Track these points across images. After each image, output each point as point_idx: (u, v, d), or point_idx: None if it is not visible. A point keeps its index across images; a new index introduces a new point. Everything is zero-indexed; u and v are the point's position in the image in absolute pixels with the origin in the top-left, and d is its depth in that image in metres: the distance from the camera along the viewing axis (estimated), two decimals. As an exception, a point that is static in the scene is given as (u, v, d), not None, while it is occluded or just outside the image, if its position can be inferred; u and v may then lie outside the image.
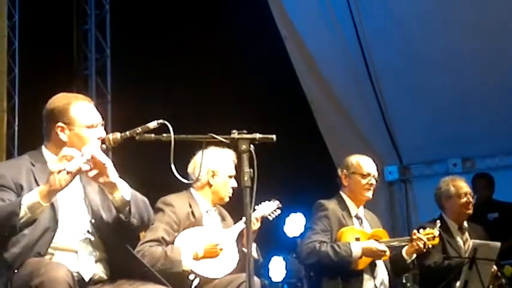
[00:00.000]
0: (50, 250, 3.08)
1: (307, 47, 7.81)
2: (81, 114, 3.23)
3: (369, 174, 4.92)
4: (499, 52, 7.08)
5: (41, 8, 7.78)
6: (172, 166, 2.97)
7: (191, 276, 4.02)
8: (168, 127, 3.01)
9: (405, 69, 7.61)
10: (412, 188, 8.52)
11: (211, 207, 4.40)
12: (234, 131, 3.00)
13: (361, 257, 4.67)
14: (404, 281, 5.83)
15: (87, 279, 3.12)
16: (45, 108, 3.27)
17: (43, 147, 3.29)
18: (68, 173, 2.90)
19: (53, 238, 3.08)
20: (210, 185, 4.37)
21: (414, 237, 4.82)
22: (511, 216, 6.75)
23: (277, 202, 4.59)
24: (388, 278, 4.85)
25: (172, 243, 4.11)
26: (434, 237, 4.91)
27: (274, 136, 3.02)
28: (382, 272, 4.83)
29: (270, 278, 7.82)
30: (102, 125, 3.28)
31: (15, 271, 2.95)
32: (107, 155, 3.12)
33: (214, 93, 7.72)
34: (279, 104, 8.02)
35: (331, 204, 4.89)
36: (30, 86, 7.44)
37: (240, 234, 4.31)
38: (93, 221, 3.21)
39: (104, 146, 3.15)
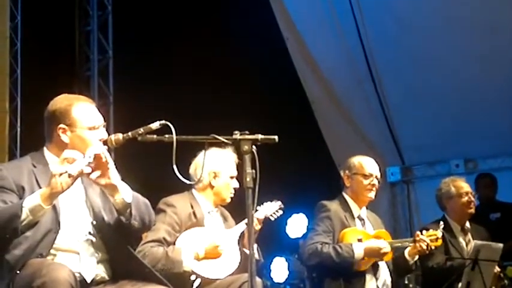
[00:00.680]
0: (52, 251, 3.08)
1: (309, 48, 7.81)
2: (83, 116, 3.23)
3: (371, 175, 4.92)
4: (502, 53, 7.07)
5: (43, 9, 7.79)
6: (175, 167, 2.97)
7: (192, 277, 4.02)
8: (170, 128, 3.01)
9: (407, 70, 7.61)
10: (414, 189, 8.51)
11: (213, 208, 4.40)
12: (236, 132, 3.01)
13: (363, 258, 4.67)
14: (406, 281, 5.84)
15: (89, 280, 3.12)
16: (47, 110, 3.27)
17: (45, 148, 3.30)
18: (69, 175, 2.90)
19: (54, 240, 3.08)
20: (212, 186, 4.37)
21: (417, 238, 4.82)
22: None
23: (279, 203, 4.59)
24: (391, 279, 4.85)
25: (174, 243, 4.11)
26: (437, 238, 4.90)
27: (276, 137, 3.02)
28: (384, 273, 4.83)
29: (272, 279, 7.82)
30: (104, 127, 3.28)
31: (17, 272, 2.95)
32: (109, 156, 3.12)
33: (216, 94, 7.72)
34: (281, 105, 8.01)
35: (333, 205, 4.88)
36: (32, 87, 7.44)
37: (242, 235, 4.31)
38: (94, 222, 3.21)
39: (105, 147, 3.15)
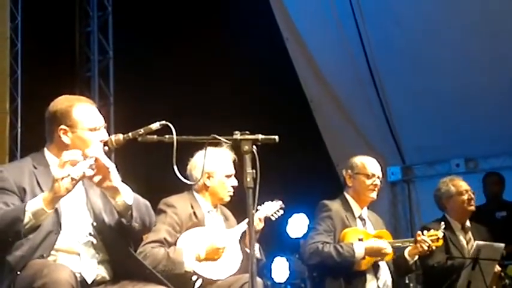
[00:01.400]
0: (52, 252, 3.08)
1: (309, 48, 7.82)
2: (84, 117, 3.23)
3: (373, 175, 4.91)
4: (502, 52, 7.07)
5: (44, 10, 7.80)
6: (175, 167, 2.97)
7: (193, 277, 4.02)
8: (170, 128, 3.01)
9: (408, 69, 7.61)
10: (414, 188, 8.51)
11: (212, 208, 4.38)
12: (237, 132, 3.00)
13: (364, 258, 4.67)
14: (407, 281, 5.84)
15: (89, 281, 3.12)
16: (48, 111, 3.27)
17: (45, 149, 3.29)
18: (72, 179, 2.90)
19: (56, 241, 3.08)
20: (207, 187, 4.34)
21: (418, 238, 4.82)
22: None
23: (280, 202, 4.58)
24: (391, 278, 4.85)
25: (175, 244, 4.11)
26: (438, 238, 4.90)
27: (276, 137, 3.02)
28: (385, 272, 4.83)
29: (273, 279, 7.82)
30: (104, 128, 3.28)
31: (18, 273, 2.96)
32: (110, 157, 3.12)
33: (216, 94, 7.72)
34: (282, 104, 8.02)
35: (334, 205, 4.88)
36: (33, 88, 7.45)
37: (243, 235, 4.30)
38: (95, 224, 3.22)
39: (106, 148, 3.16)
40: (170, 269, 3.92)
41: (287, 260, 7.87)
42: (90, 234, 3.20)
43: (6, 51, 7.54)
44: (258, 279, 3.31)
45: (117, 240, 3.23)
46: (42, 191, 3.04)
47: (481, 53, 7.14)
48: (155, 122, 3.07)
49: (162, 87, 7.81)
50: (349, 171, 4.97)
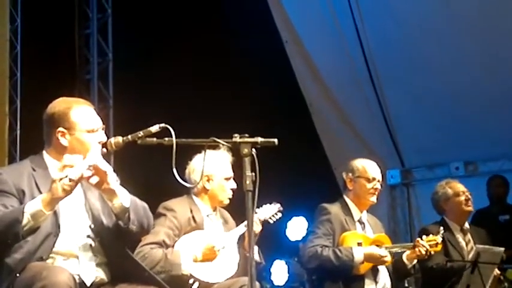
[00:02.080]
0: (51, 255, 3.08)
1: (308, 51, 7.82)
2: (82, 119, 3.23)
3: (374, 179, 4.90)
4: (502, 55, 7.07)
5: (43, 12, 7.80)
6: (174, 170, 2.97)
7: (190, 280, 4.01)
8: (170, 131, 3.01)
9: (407, 72, 7.61)
10: (414, 191, 8.51)
11: (211, 211, 4.38)
12: (236, 135, 3.00)
13: (362, 262, 4.66)
14: (406, 284, 5.83)
15: (88, 284, 3.12)
16: (46, 113, 3.27)
17: (44, 152, 3.29)
18: (70, 180, 2.89)
19: (55, 243, 3.08)
20: (206, 190, 4.34)
21: (417, 244, 4.81)
22: None
23: (278, 205, 4.57)
24: (391, 282, 4.84)
25: (173, 247, 4.10)
26: (437, 244, 4.89)
27: (276, 140, 3.02)
28: (384, 276, 4.82)
29: (272, 282, 7.81)
30: (102, 129, 3.28)
31: (17, 275, 2.95)
32: (109, 159, 3.12)
33: (215, 97, 7.72)
34: (281, 107, 8.02)
35: (333, 208, 4.87)
36: (32, 90, 7.44)
37: (241, 238, 4.30)
38: (93, 226, 3.21)
39: (104, 150, 3.16)
40: (168, 270, 3.92)
41: (286, 263, 7.87)
42: (88, 236, 3.19)
43: (5, 53, 7.53)
44: (256, 283, 3.30)
45: (115, 243, 3.23)
46: (40, 193, 3.05)
47: (481, 55, 7.14)
48: (154, 124, 3.07)
49: (162, 89, 7.81)
50: (350, 174, 4.95)
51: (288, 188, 7.19)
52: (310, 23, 7.74)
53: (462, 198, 5.41)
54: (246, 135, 3.00)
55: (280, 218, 4.60)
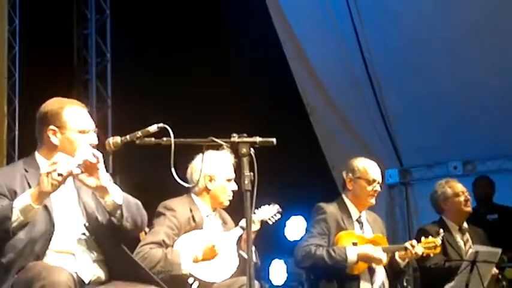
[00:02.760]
0: (48, 253, 3.09)
1: (306, 52, 7.82)
2: (74, 119, 3.24)
3: (374, 181, 4.87)
4: (500, 54, 7.07)
5: (42, 12, 7.80)
6: (173, 170, 2.98)
7: (190, 280, 4.02)
8: (168, 131, 3.02)
9: (406, 72, 7.60)
10: (412, 191, 8.50)
11: (211, 211, 4.38)
12: (234, 135, 3.01)
13: (357, 262, 4.65)
14: (405, 284, 5.83)
15: (86, 281, 3.13)
16: (39, 112, 3.29)
17: (36, 152, 3.31)
18: (58, 174, 2.90)
19: (50, 241, 3.09)
20: (208, 190, 4.34)
21: (412, 248, 4.79)
22: (509, 218, 6.74)
23: (277, 206, 4.56)
24: (388, 282, 4.84)
25: (172, 247, 4.11)
26: (435, 246, 4.87)
27: (274, 139, 3.02)
28: (381, 276, 4.80)
29: (271, 281, 7.82)
30: (95, 132, 3.28)
31: (15, 276, 2.96)
32: (107, 159, 3.12)
33: (214, 97, 7.73)
34: (280, 107, 8.02)
35: (330, 208, 4.85)
36: (31, 91, 7.45)
37: (240, 238, 4.30)
38: (87, 224, 3.22)
39: (99, 152, 3.15)
40: (167, 270, 3.92)
41: (285, 263, 7.88)
42: (83, 234, 3.20)
43: (3, 54, 7.56)
44: (255, 282, 3.31)
45: (111, 240, 3.24)
46: None
47: (480, 55, 7.13)
48: (153, 124, 3.07)
49: (160, 89, 7.81)
50: (350, 174, 4.92)
51: (287, 188, 7.20)
52: (309, 24, 7.74)
53: (461, 198, 5.41)
54: (245, 134, 3.01)
55: (278, 219, 4.60)
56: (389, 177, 8.41)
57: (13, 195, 3.10)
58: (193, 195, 4.38)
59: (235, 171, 4.30)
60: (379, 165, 5.03)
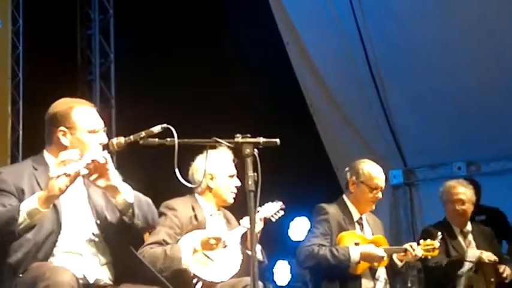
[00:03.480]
0: (54, 253, 3.09)
1: (310, 52, 7.81)
2: (83, 119, 3.24)
3: (377, 188, 4.87)
4: (504, 54, 7.05)
5: (45, 13, 7.80)
6: (176, 170, 2.97)
7: (194, 280, 4.01)
8: (171, 131, 3.02)
9: (410, 72, 7.59)
10: (417, 191, 8.49)
11: (215, 210, 4.38)
12: (238, 135, 3.00)
13: (359, 262, 4.66)
14: (409, 284, 5.83)
15: (91, 281, 3.13)
16: (48, 113, 3.29)
17: (45, 151, 3.31)
18: (67, 175, 2.89)
19: (56, 241, 3.09)
20: (210, 189, 4.34)
21: (411, 251, 4.79)
22: (495, 219, 6.70)
23: (281, 203, 4.55)
24: (389, 280, 4.85)
25: (174, 246, 4.10)
26: (434, 248, 4.88)
27: (278, 140, 3.02)
28: (382, 275, 4.82)
29: (275, 282, 7.81)
30: (104, 131, 3.29)
31: (20, 276, 2.96)
32: (111, 160, 3.12)
33: (217, 98, 7.72)
34: (284, 107, 8.02)
35: (331, 208, 4.86)
36: (34, 91, 7.46)
37: (244, 237, 4.29)
38: (98, 222, 3.22)
39: (105, 151, 3.15)
40: (168, 266, 3.91)
41: (289, 263, 7.87)
42: (92, 233, 3.20)
43: (7, 54, 7.56)
44: (259, 283, 3.30)
45: (120, 240, 3.24)
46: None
47: (484, 56, 7.11)
48: (157, 125, 3.07)
49: (164, 90, 7.81)
50: (354, 177, 4.91)
51: (290, 188, 7.18)
52: (312, 24, 7.73)
53: (454, 207, 5.39)
54: (248, 135, 3.01)
55: (282, 216, 4.58)
56: (393, 178, 8.39)
57: (20, 194, 3.10)
58: (196, 195, 4.38)
59: (238, 170, 4.29)
60: (383, 166, 5.02)
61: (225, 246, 4.08)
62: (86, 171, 3.00)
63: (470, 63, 7.21)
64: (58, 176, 2.89)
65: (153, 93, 7.82)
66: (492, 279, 5.00)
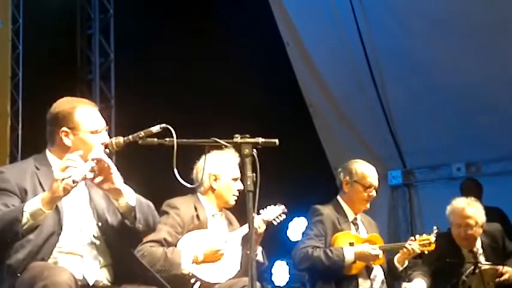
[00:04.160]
0: (54, 254, 3.08)
1: (310, 53, 7.82)
2: (86, 119, 3.23)
3: (370, 186, 4.90)
4: (506, 56, 7.06)
5: (45, 12, 7.80)
6: (175, 170, 2.98)
7: (192, 280, 4.01)
8: (171, 131, 3.02)
9: (409, 74, 7.60)
10: (416, 192, 8.50)
11: (217, 211, 4.38)
12: (237, 135, 3.01)
13: (354, 262, 4.67)
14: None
15: (91, 283, 3.13)
16: (50, 112, 3.28)
17: (47, 151, 3.30)
18: (74, 182, 2.90)
19: (57, 242, 3.08)
20: (213, 189, 4.35)
21: (406, 245, 4.78)
22: (497, 219, 6.68)
23: (283, 207, 4.56)
24: (386, 280, 4.85)
25: (175, 245, 4.10)
26: (430, 243, 4.86)
27: (276, 140, 3.02)
28: (379, 274, 4.83)
29: (273, 283, 7.81)
30: (106, 130, 3.29)
31: (19, 275, 2.96)
32: (110, 159, 3.12)
33: (216, 98, 7.72)
34: (282, 108, 8.01)
35: (326, 210, 4.88)
36: (34, 91, 7.45)
37: (245, 238, 4.30)
38: (99, 224, 3.22)
39: (107, 150, 3.16)
40: (167, 269, 3.92)
41: (287, 264, 7.87)
42: (93, 235, 3.20)
43: (7, 53, 7.55)
44: (257, 284, 3.30)
45: (120, 242, 3.23)
46: (44, 191, 3.04)
47: (485, 56, 7.11)
48: (156, 124, 3.07)
49: (163, 90, 7.81)
50: (348, 177, 4.94)
51: (289, 189, 7.18)
52: (312, 24, 7.74)
53: (458, 231, 5.05)
54: (247, 135, 3.01)
55: (284, 219, 4.61)
56: (392, 179, 8.41)
57: (23, 193, 3.10)
58: (199, 195, 4.39)
59: (240, 170, 4.29)
60: (382, 167, 5.03)
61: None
62: (91, 175, 3.00)
63: (471, 64, 7.21)
64: (63, 179, 2.89)
65: (153, 93, 7.82)
66: (491, 283, 4.96)
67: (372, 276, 4.80)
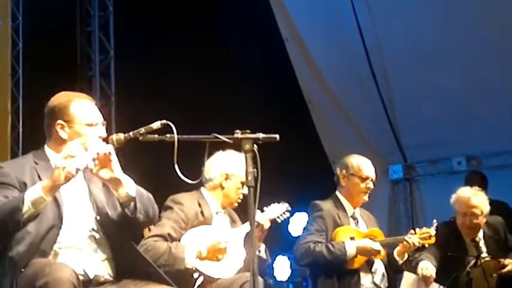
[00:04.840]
0: (55, 248, 3.09)
1: (309, 48, 7.81)
2: (82, 112, 3.25)
3: (367, 178, 4.91)
4: (505, 50, 7.05)
5: (45, 9, 7.79)
6: (176, 166, 2.98)
7: (195, 275, 4.02)
8: (171, 127, 3.02)
9: (409, 67, 7.59)
10: (417, 186, 8.50)
11: (220, 209, 4.40)
12: (238, 131, 3.01)
13: (356, 256, 4.68)
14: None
15: (91, 276, 3.13)
16: (47, 106, 3.30)
17: (45, 146, 3.32)
18: (76, 170, 2.91)
19: (57, 236, 3.09)
20: (222, 188, 4.37)
21: (407, 238, 4.79)
22: (502, 212, 6.67)
23: (287, 205, 4.58)
24: (387, 274, 4.86)
25: (179, 240, 4.11)
26: (430, 236, 4.87)
27: (277, 136, 3.02)
28: (380, 268, 4.84)
29: (275, 277, 7.82)
30: (103, 125, 3.29)
31: (22, 270, 2.96)
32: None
33: (216, 94, 7.72)
34: (281, 103, 8.01)
35: (326, 205, 4.89)
36: (34, 88, 7.45)
37: (248, 235, 4.30)
38: (98, 217, 3.22)
39: (110, 144, 3.16)
40: (171, 264, 3.93)
41: (289, 259, 7.87)
42: (93, 229, 3.21)
43: (7, 51, 7.56)
44: (259, 279, 3.31)
45: (120, 235, 3.24)
46: None
47: (486, 49, 7.09)
48: (156, 121, 3.07)
49: (164, 86, 7.81)
50: (344, 171, 4.96)
51: (290, 184, 7.19)
52: (312, 19, 7.72)
53: (463, 220, 5.11)
54: (248, 131, 3.01)
55: (287, 217, 4.61)
56: (393, 173, 8.40)
57: (23, 187, 3.11)
58: (204, 191, 4.39)
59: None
60: (381, 161, 5.03)
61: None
62: (93, 165, 3.01)
63: (473, 58, 7.20)
64: (64, 167, 2.90)
65: (153, 90, 7.82)
66: (494, 275, 4.97)
67: (373, 270, 4.81)
